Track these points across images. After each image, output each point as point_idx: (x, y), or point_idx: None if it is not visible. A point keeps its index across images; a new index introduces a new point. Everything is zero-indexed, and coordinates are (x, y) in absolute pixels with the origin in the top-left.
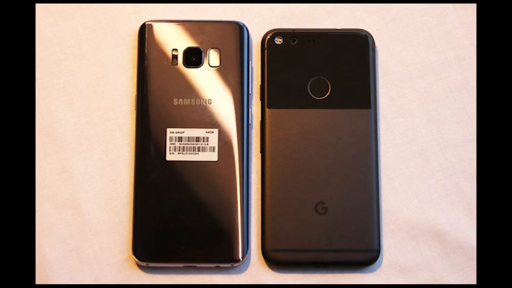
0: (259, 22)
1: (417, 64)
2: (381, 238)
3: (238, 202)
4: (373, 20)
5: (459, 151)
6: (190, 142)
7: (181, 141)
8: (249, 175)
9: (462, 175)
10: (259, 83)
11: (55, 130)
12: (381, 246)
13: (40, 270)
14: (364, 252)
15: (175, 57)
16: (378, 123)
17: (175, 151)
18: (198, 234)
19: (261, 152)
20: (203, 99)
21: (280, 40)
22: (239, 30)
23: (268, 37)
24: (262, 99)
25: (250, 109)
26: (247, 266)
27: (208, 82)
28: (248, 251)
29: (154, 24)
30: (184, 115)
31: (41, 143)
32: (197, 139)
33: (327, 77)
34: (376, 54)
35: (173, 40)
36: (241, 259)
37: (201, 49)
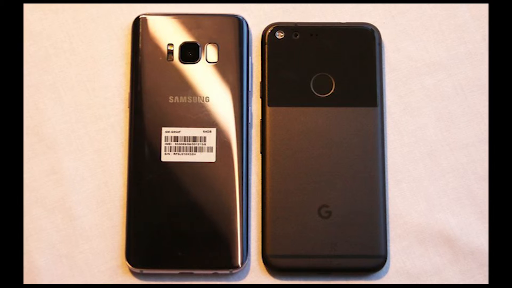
0: (259, 15)
1: (426, 60)
2: (388, 243)
3: (237, 205)
4: (379, 13)
5: (470, 151)
6: (186, 142)
7: (177, 141)
8: (249, 176)
9: (473, 177)
10: (259, 79)
11: (44, 129)
12: (388, 252)
13: (29, 277)
14: (370, 258)
15: (170, 52)
16: (384, 122)
17: (170, 151)
18: (195, 239)
19: (261, 153)
20: (200, 97)
21: (282, 34)
22: (238, 24)
23: (269, 31)
24: (262, 96)
25: (249, 107)
26: (247, 272)
27: (206, 78)
28: (248, 257)
29: (148, 17)
30: (180, 114)
31: (30, 143)
32: (194, 138)
33: (331, 73)
34: (382, 49)
35: (169, 34)
36: (240, 265)
37: (198, 44)
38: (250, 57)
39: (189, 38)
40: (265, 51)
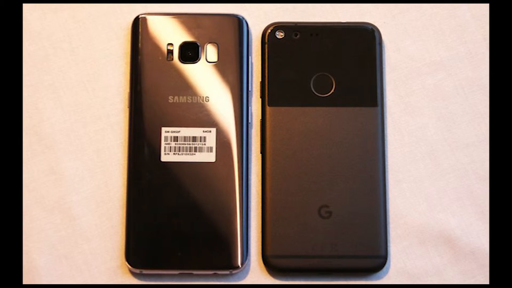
0: (259, 15)
1: (426, 60)
2: (388, 243)
3: (237, 206)
4: (380, 13)
5: (471, 151)
6: (186, 142)
7: (177, 141)
8: (249, 177)
9: (474, 177)
10: (259, 79)
11: (43, 129)
12: (388, 252)
13: (28, 277)
14: (370, 258)
15: (170, 52)
16: (385, 122)
17: (170, 151)
18: (195, 240)
19: (261, 153)
20: (200, 97)
21: (282, 34)
22: (238, 23)
23: (269, 31)
24: (262, 96)
25: (249, 107)
26: (247, 273)
27: (206, 78)
28: (248, 257)
29: (148, 17)
30: (180, 114)
31: (29, 143)
32: (194, 138)
33: (331, 73)
34: (383, 49)
35: (169, 34)
36: (240, 265)
37: (198, 44)
38: (250, 57)
39: (189, 38)
40: (265, 51)
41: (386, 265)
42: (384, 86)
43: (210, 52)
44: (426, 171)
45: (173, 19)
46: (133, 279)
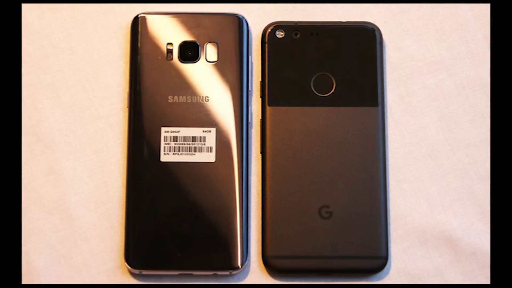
0: (259, 14)
1: (427, 59)
2: (389, 244)
3: (237, 206)
4: (380, 12)
5: (472, 151)
6: (186, 142)
7: (177, 141)
8: (249, 177)
9: (475, 177)
10: (259, 79)
11: (42, 129)
12: (389, 253)
13: (27, 278)
14: (371, 259)
15: (170, 51)
16: (386, 122)
17: (170, 151)
18: (195, 240)
19: (261, 153)
20: (199, 96)
21: (282, 33)
22: (238, 23)
23: (269, 30)
24: (262, 96)
25: (249, 107)
26: (247, 273)
27: (205, 78)
28: (248, 258)
29: (147, 16)
30: (180, 113)
31: (28, 143)
32: (194, 138)
33: (331, 73)
34: (383, 48)
35: (168, 33)
36: (240, 266)
37: (198, 43)
38: (250, 57)
39: (188, 37)
40: (265, 51)
41: (387, 266)
42: (384, 85)
43: (210, 51)
44: (427, 171)
45: (172, 18)
46: (133, 280)
